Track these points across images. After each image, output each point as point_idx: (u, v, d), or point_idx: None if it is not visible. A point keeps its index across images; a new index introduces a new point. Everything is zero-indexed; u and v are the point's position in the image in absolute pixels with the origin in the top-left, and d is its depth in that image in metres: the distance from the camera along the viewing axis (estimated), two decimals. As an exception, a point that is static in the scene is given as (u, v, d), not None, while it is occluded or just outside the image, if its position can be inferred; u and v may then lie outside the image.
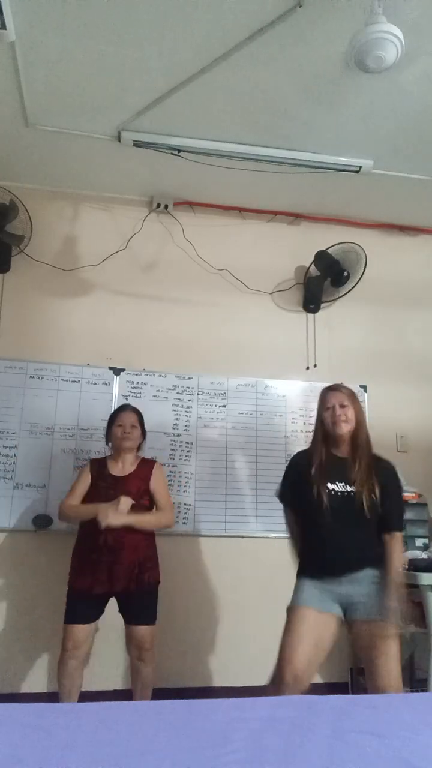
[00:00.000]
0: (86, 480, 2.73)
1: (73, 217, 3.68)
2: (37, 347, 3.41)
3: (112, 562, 2.53)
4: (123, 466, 2.74)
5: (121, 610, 2.62)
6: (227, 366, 3.59)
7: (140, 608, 2.59)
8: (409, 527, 3.33)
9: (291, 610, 2.15)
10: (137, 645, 2.57)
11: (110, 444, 2.84)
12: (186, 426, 3.44)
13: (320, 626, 2.09)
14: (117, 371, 3.44)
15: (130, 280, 3.64)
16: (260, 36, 2.42)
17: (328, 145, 3.16)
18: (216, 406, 3.51)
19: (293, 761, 1.00)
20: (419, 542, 3.29)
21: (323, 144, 3.15)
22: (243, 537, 3.33)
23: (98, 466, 2.77)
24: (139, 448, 2.84)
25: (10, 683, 2.99)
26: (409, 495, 3.41)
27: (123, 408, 2.86)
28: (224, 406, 3.52)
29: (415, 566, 2.61)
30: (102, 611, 2.61)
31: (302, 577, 2.23)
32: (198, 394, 3.51)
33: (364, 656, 2.11)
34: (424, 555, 2.85)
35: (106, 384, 3.41)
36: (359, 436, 2.26)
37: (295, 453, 2.47)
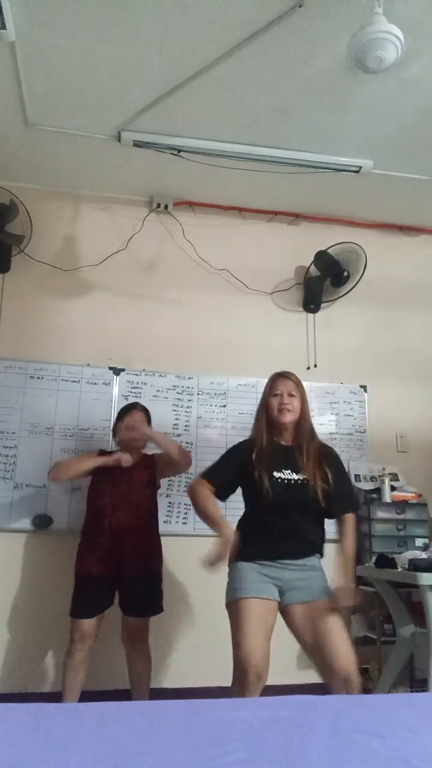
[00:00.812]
0: (91, 454, 2.79)
1: (73, 217, 3.67)
2: (37, 347, 3.41)
3: (117, 545, 2.57)
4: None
5: (121, 600, 2.63)
6: (227, 366, 3.59)
7: (142, 597, 2.61)
8: (409, 527, 3.33)
9: (235, 604, 2.08)
10: (130, 632, 2.60)
11: (117, 439, 2.86)
12: (186, 426, 3.44)
13: (267, 615, 2.06)
14: (117, 371, 3.44)
15: (130, 280, 3.64)
16: (260, 36, 2.42)
17: (328, 145, 3.16)
18: (216, 406, 3.51)
19: (293, 761, 1.00)
20: (419, 542, 3.29)
21: (323, 144, 3.15)
22: (243, 537, 3.33)
23: (105, 455, 2.80)
24: (144, 445, 2.86)
25: (10, 683, 2.99)
26: (409, 495, 3.42)
27: (133, 406, 2.89)
28: (224, 406, 3.52)
29: (415, 566, 2.61)
30: (111, 601, 2.62)
31: (239, 562, 2.16)
32: (198, 394, 3.51)
33: (309, 640, 2.03)
34: (424, 555, 2.84)
35: (106, 384, 3.41)
36: (302, 425, 2.25)
37: (235, 444, 2.39)
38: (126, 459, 2.67)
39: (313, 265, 3.73)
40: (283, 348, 3.69)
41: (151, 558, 2.66)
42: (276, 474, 2.18)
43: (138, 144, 3.13)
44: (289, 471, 2.19)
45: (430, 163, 3.30)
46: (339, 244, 3.65)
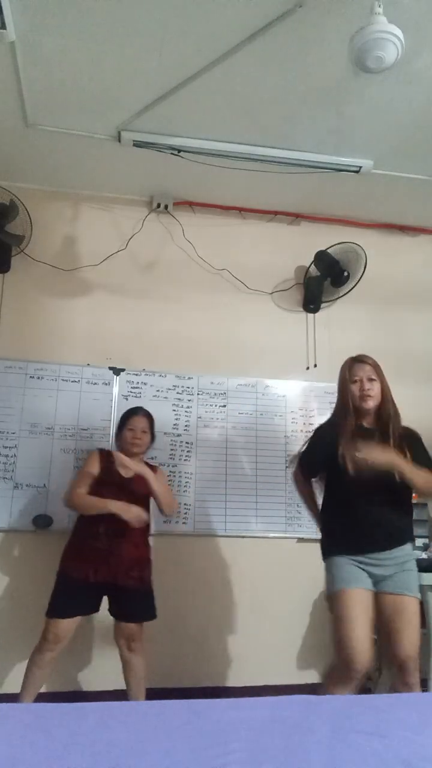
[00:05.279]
0: (95, 467, 2.72)
1: (73, 217, 3.67)
2: (37, 347, 3.41)
3: (110, 551, 2.53)
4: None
5: (113, 607, 2.61)
6: (227, 366, 3.59)
7: (138, 606, 2.59)
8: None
9: (338, 595, 2.10)
10: (126, 635, 2.58)
11: (118, 444, 2.83)
12: (186, 426, 3.44)
13: (368, 604, 2.10)
14: (117, 371, 3.44)
15: (130, 280, 3.64)
16: (260, 36, 2.42)
17: (328, 145, 3.16)
18: (216, 406, 3.51)
19: (293, 761, 1.00)
20: (419, 542, 3.28)
21: (323, 144, 3.15)
22: (243, 537, 3.33)
23: (107, 460, 2.75)
24: (146, 450, 2.84)
25: (11, 683, 2.98)
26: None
27: (136, 411, 2.84)
28: (224, 406, 3.52)
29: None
30: (97, 606, 2.59)
31: (334, 555, 2.18)
32: (198, 394, 3.51)
33: (386, 626, 2.11)
34: (424, 555, 2.84)
35: (106, 384, 3.41)
36: (386, 408, 2.26)
37: (316, 426, 2.44)
38: (139, 520, 2.57)
39: (313, 265, 3.73)
40: (283, 348, 3.70)
41: (145, 567, 2.63)
42: (358, 455, 2.16)
43: (138, 144, 3.13)
44: None
45: (430, 163, 3.29)
46: (339, 244, 3.65)
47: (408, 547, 2.18)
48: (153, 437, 2.86)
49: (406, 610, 2.07)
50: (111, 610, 2.62)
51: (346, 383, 2.29)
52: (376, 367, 2.29)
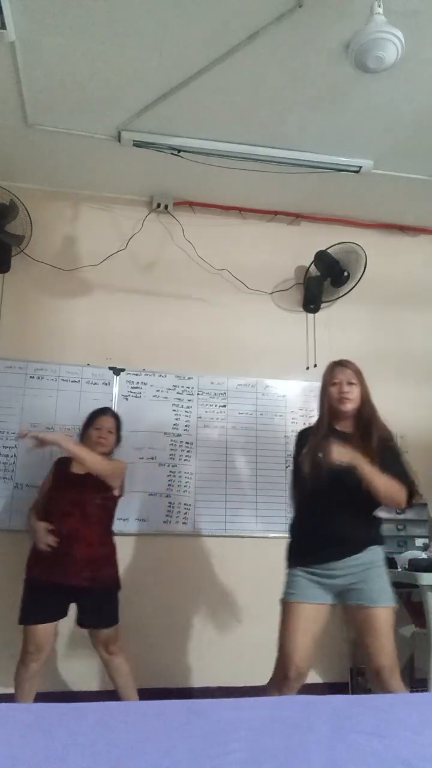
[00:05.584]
0: (48, 480, 2.77)
1: (73, 217, 3.67)
2: (37, 347, 3.41)
3: (64, 552, 2.49)
4: None
5: (79, 617, 2.57)
6: (227, 366, 3.59)
7: (99, 611, 2.55)
8: (409, 527, 3.33)
9: (286, 605, 2.12)
10: (102, 641, 2.55)
11: (83, 443, 2.77)
12: (186, 426, 3.44)
13: (316, 619, 2.09)
14: (117, 371, 3.44)
15: (130, 280, 3.64)
16: (260, 36, 2.42)
17: (328, 145, 3.16)
18: (216, 406, 3.51)
19: (293, 761, 1.00)
20: (419, 542, 3.29)
21: (323, 144, 3.15)
22: (243, 537, 3.33)
23: (61, 466, 2.75)
24: (111, 452, 2.80)
25: (10, 684, 2.98)
26: (409, 495, 3.41)
27: (103, 411, 2.83)
28: (224, 406, 3.52)
29: (415, 566, 2.61)
30: (64, 611, 2.56)
31: (290, 567, 2.18)
32: (198, 394, 3.51)
33: (359, 634, 2.10)
34: (424, 555, 2.85)
35: (106, 384, 3.41)
36: (363, 412, 2.23)
37: (299, 431, 2.41)
38: (44, 542, 2.52)
39: (313, 265, 3.73)
40: (283, 348, 3.70)
41: (102, 566, 2.57)
42: (320, 455, 2.13)
43: (138, 144, 3.13)
44: None
45: (430, 163, 3.29)
46: (339, 244, 3.65)
47: (368, 553, 2.11)
48: (119, 439, 2.83)
49: (375, 622, 2.03)
50: (79, 621, 2.58)
51: (326, 386, 2.29)
52: (358, 372, 2.28)
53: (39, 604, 2.51)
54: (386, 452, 2.18)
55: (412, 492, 2.13)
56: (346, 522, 2.12)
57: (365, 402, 2.25)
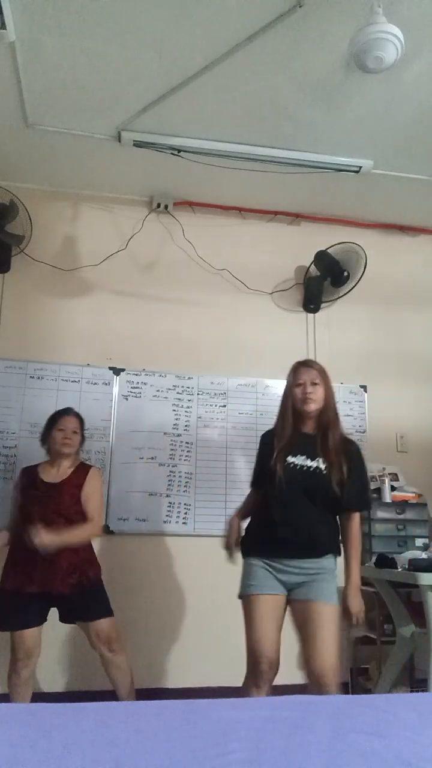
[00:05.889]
0: (17, 497, 2.68)
1: (73, 217, 3.68)
2: (37, 347, 3.41)
3: (47, 561, 2.43)
4: (57, 472, 2.65)
5: (65, 616, 2.54)
6: (227, 366, 3.59)
7: (90, 605, 2.51)
8: (409, 527, 3.33)
9: (246, 599, 2.12)
10: (104, 639, 2.50)
11: (47, 447, 2.72)
12: (186, 426, 3.44)
13: (277, 609, 2.10)
14: (117, 371, 3.44)
15: (130, 280, 3.64)
16: (260, 36, 2.42)
17: (328, 145, 3.16)
18: (216, 406, 3.51)
19: (293, 761, 1.00)
20: (419, 542, 3.29)
21: (323, 144, 3.15)
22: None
23: (28, 477, 2.67)
24: (77, 452, 2.75)
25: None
26: (409, 495, 3.42)
27: (66, 412, 2.74)
28: (224, 406, 3.52)
29: (415, 566, 2.61)
30: (44, 617, 2.52)
31: (248, 557, 2.19)
32: (198, 394, 3.51)
33: (302, 633, 2.08)
34: (424, 555, 2.85)
35: (106, 384, 3.41)
36: (327, 413, 2.23)
37: (263, 432, 2.41)
38: (41, 544, 2.39)
39: (313, 265, 3.73)
40: (283, 348, 3.69)
41: (88, 570, 2.54)
42: (290, 459, 2.18)
43: (138, 144, 3.13)
44: (304, 457, 2.18)
45: (430, 163, 3.29)
46: (339, 244, 3.65)
47: (324, 561, 2.12)
48: (83, 438, 2.77)
49: (318, 617, 2.02)
50: (62, 619, 2.55)
51: (290, 386, 2.28)
52: (322, 373, 2.26)
53: (16, 611, 2.46)
54: (356, 467, 2.20)
55: (368, 508, 2.23)
56: (312, 524, 2.14)
57: (328, 403, 2.25)
